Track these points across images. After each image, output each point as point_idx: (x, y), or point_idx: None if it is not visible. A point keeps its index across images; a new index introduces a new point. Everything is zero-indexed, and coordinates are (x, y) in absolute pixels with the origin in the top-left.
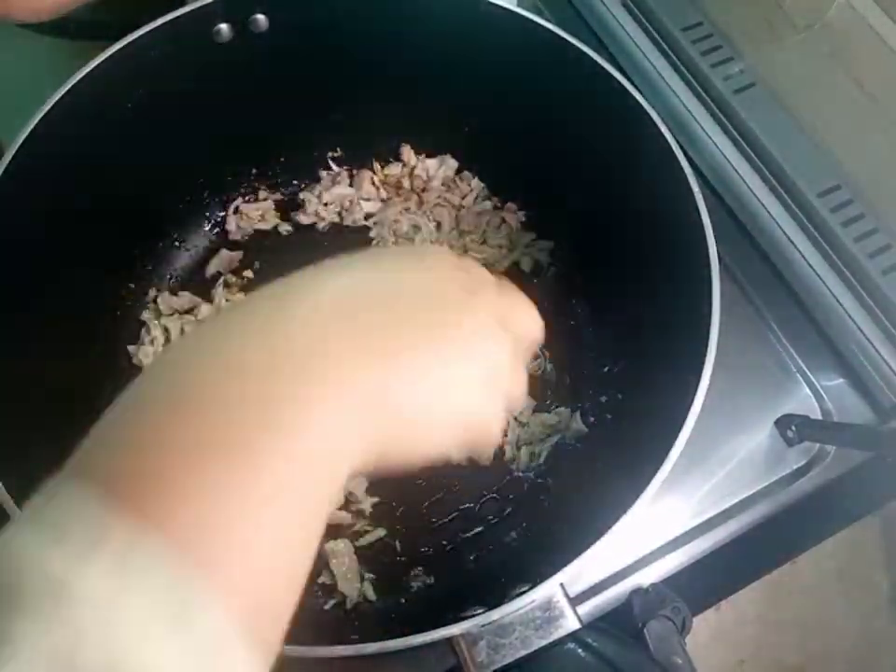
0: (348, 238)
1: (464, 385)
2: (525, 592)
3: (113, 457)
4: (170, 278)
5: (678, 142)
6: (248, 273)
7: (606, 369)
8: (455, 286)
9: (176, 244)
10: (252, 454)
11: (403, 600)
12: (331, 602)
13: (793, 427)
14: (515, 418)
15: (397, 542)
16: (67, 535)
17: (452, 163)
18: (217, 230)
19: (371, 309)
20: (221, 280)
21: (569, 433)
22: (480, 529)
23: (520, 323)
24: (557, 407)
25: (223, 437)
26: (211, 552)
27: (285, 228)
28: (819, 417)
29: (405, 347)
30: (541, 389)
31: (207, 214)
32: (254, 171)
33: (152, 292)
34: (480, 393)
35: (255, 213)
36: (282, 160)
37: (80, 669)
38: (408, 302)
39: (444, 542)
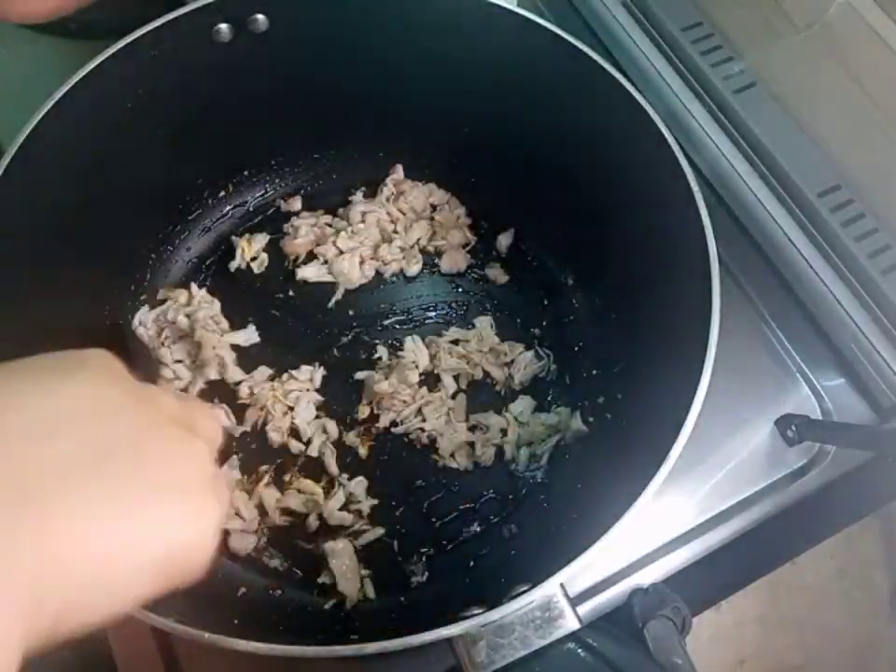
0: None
1: (162, 507)
2: (524, 592)
3: None
4: (170, 279)
5: (678, 142)
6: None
7: (606, 369)
8: (136, 399)
9: (176, 244)
10: None
11: (403, 600)
12: (331, 602)
13: (793, 427)
14: (515, 418)
15: (396, 542)
16: None
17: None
18: (216, 229)
19: (62, 434)
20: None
21: (569, 433)
22: (480, 529)
23: (202, 427)
24: (557, 407)
25: None
26: None
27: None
28: (819, 417)
29: (103, 474)
30: (541, 389)
31: (207, 213)
32: (253, 171)
33: (152, 292)
34: (181, 512)
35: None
36: (281, 159)
37: None
38: (97, 423)
39: (444, 542)
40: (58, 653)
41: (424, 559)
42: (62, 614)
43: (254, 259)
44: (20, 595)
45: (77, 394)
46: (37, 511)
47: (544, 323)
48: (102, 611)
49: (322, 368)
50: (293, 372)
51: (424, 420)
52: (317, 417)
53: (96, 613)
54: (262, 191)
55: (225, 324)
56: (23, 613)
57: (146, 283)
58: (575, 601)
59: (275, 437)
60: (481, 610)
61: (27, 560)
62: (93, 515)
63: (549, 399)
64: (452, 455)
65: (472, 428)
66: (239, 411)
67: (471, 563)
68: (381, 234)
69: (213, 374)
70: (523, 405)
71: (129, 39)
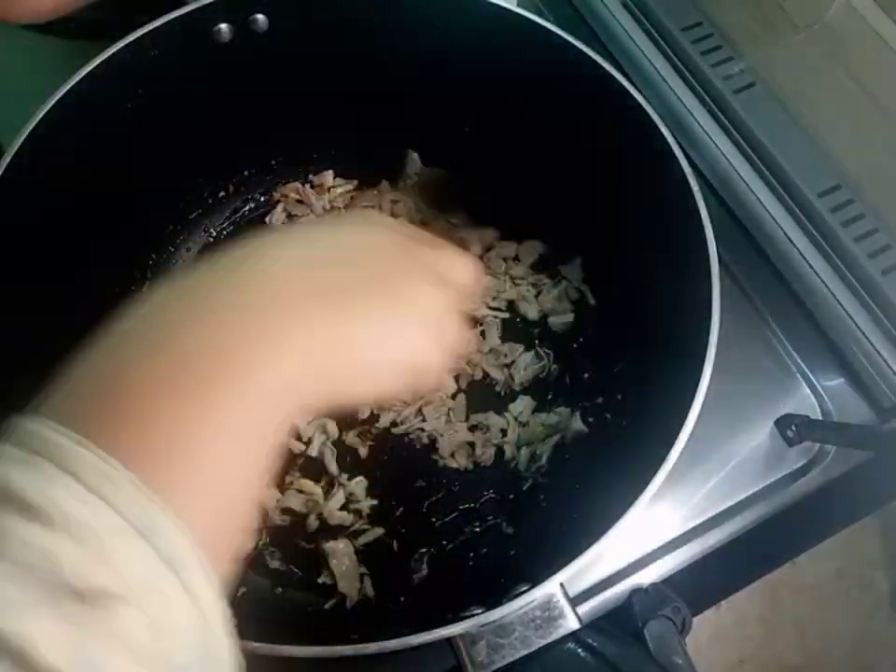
0: None
1: (405, 332)
2: (524, 591)
3: (89, 394)
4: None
5: (678, 142)
6: None
7: (606, 369)
8: (396, 244)
9: (176, 244)
10: (206, 392)
11: (403, 600)
12: (331, 602)
13: (793, 427)
14: (515, 418)
15: (396, 542)
16: (44, 464)
17: None
18: (217, 230)
19: (323, 264)
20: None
21: (569, 433)
22: (480, 529)
23: (455, 274)
24: (557, 407)
25: (184, 376)
26: (169, 477)
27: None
28: (819, 417)
29: (355, 297)
30: (541, 389)
31: (207, 214)
32: (253, 171)
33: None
34: (420, 338)
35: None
36: (281, 159)
37: (62, 587)
38: (355, 258)
39: (444, 542)
40: None
41: (424, 559)
42: (337, 386)
43: None
44: (315, 356)
45: (348, 237)
46: (334, 296)
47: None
48: (363, 394)
49: None
50: None
51: (424, 420)
52: (317, 417)
53: (361, 394)
54: (263, 191)
55: None
56: (313, 373)
57: (146, 284)
58: (575, 601)
59: None
60: (481, 610)
61: (323, 334)
62: (367, 315)
63: (549, 398)
64: (452, 455)
65: (472, 428)
66: None
67: (471, 563)
68: None
69: None
70: (523, 405)
71: (129, 39)
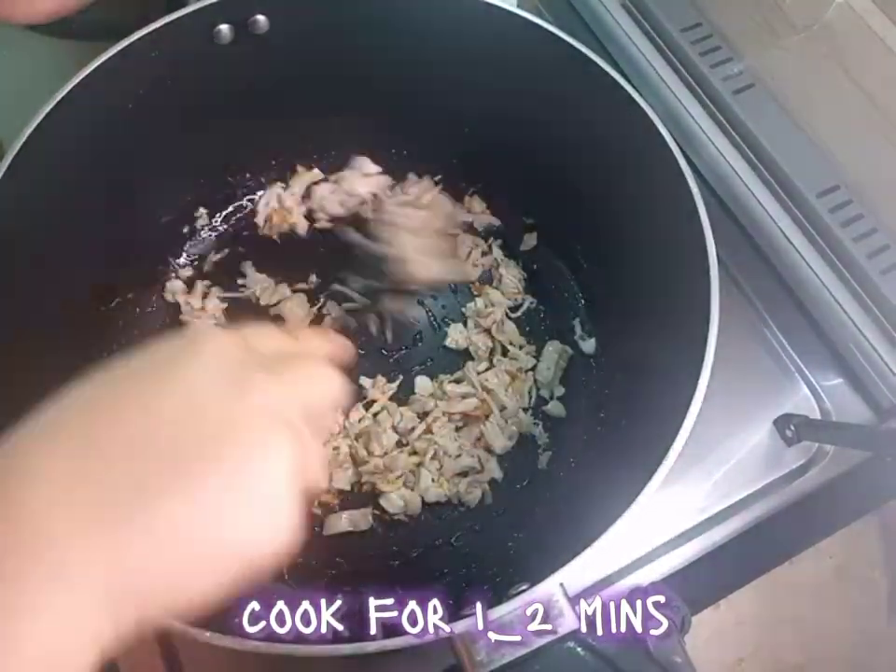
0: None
1: (237, 509)
2: (524, 591)
3: None
4: (167, 279)
5: (677, 142)
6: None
7: (605, 369)
8: (224, 378)
9: (177, 243)
10: None
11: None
12: None
13: (792, 427)
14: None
15: (395, 542)
16: None
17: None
18: (217, 229)
19: (109, 453)
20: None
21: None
22: (479, 529)
23: (310, 392)
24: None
25: None
26: None
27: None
28: (818, 417)
29: (155, 492)
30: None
31: (208, 214)
32: (254, 171)
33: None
34: (259, 507)
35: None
36: (282, 160)
37: None
38: (159, 430)
39: (442, 542)
40: None
41: (423, 559)
42: (154, 601)
43: None
44: (98, 596)
45: (173, 403)
46: (114, 518)
47: (543, 327)
48: (195, 597)
49: None
50: None
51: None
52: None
53: (191, 599)
54: (263, 192)
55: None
56: (101, 612)
57: (147, 284)
58: (575, 601)
59: None
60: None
61: (106, 563)
62: (168, 518)
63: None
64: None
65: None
66: None
67: (471, 563)
68: None
69: None
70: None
71: (129, 40)
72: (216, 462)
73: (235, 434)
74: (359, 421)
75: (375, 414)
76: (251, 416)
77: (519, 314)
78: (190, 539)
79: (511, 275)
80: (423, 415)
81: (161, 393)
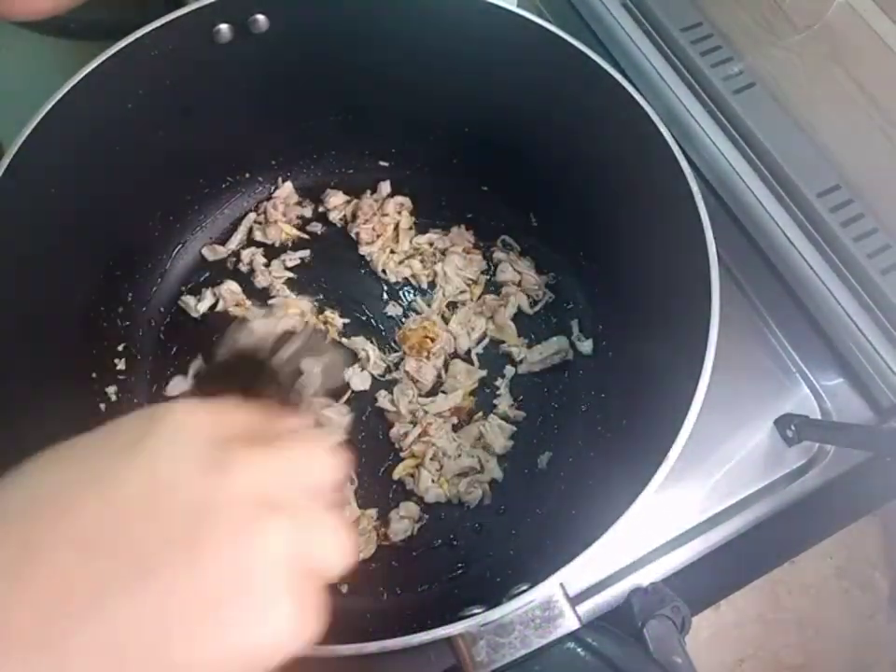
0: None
1: (218, 616)
2: (524, 591)
3: None
4: (165, 280)
5: (677, 142)
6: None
7: (605, 369)
8: (193, 465)
9: (178, 243)
10: None
11: (403, 600)
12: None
13: (793, 427)
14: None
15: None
16: None
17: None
18: (217, 230)
19: (55, 557)
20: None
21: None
22: (479, 529)
23: (307, 470)
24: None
25: None
26: None
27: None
28: (819, 417)
29: (110, 601)
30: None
31: (208, 213)
32: (253, 171)
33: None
34: (247, 611)
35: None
36: (281, 160)
37: None
38: (117, 524)
39: (442, 542)
40: None
41: (423, 559)
42: None
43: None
44: None
45: (133, 489)
46: (57, 634)
47: (543, 326)
48: None
49: None
50: None
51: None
52: None
53: None
54: (263, 192)
55: None
56: None
57: (147, 283)
58: (575, 601)
59: None
60: (481, 610)
61: None
62: (129, 640)
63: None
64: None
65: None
66: None
67: (471, 563)
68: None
69: None
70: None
71: (129, 39)
72: (186, 563)
73: (209, 525)
74: None
75: None
76: (229, 503)
77: (538, 307)
78: (158, 659)
79: (530, 273)
80: (414, 421)
81: (120, 479)
